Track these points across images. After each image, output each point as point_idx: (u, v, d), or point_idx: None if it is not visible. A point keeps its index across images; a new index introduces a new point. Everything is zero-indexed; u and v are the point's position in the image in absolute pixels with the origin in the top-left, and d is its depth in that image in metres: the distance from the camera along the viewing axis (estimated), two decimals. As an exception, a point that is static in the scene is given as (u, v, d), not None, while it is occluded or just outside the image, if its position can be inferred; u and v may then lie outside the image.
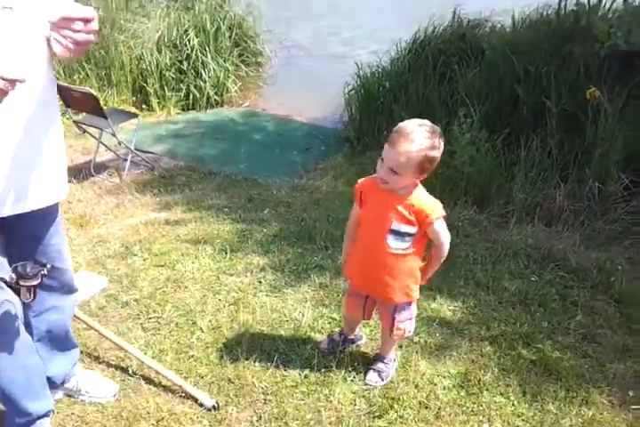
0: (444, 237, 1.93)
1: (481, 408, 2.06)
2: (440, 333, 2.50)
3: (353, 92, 5.34)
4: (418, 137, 1.76)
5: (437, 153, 1.80)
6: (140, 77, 6.08)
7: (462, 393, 2.14)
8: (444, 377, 2.21)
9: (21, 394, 1.71)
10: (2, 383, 1.65)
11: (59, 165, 1.60)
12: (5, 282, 1.48)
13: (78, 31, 1.31)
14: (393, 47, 5.32)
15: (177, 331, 2.41)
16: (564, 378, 2.25)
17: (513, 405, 2.10)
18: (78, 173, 4.37)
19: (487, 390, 2.15)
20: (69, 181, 3.81)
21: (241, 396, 2.06)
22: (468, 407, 2.06)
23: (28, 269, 1.46)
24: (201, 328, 2.43)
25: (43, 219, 1.64)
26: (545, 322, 2.62)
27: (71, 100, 4.19)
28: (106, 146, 4.57)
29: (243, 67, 6.78)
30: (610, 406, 2.13)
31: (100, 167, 4.54)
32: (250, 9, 7.27)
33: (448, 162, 4.02)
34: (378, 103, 5.09)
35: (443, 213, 1.91)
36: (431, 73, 4.91)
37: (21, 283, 1.46)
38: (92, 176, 4.39)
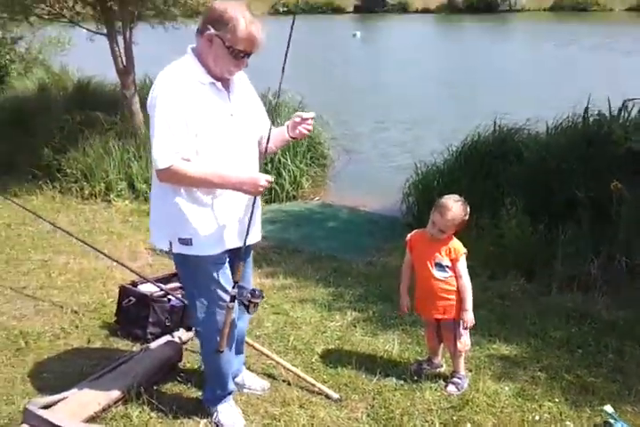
0: (463, 269, 2.88)
1: (533, 407, 2.78)
2: (500, 363, 3.25)
3: (412, 186, 6.38)
4: (457, 209, 2.79)
5: (467, 217, 2.85)
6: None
7: (519, 399, 2.87)
8: (505, 389, 2.95)
9: (228, 373, 2.58)
10: (221, 363, 2.53)
11: None
12: (241, 300, 2.40)
13: (309, 124, 2.35)
14: (446, 150, 6.41)
15: (300, 354, 3.25)
16: (597, 393, 2.94)
17: (557, 407, 2.81)
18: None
19: (538, 398, 2.88)
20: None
21: (356, 394, 2.86)
22: (523, 407, 2.79)
23: (257, 292, 2.40)
24: (317, 353, 3.27)
25: (250, 251, 2.60)
26: (582, 359, 3.34)
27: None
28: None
29: (314, 167, 8.01)
30: (632, 412, 2.79)
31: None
32: (319, 120, 8.69)
33: (498, 241, 4.92)
34: (434, 194, 6.07)
35: (465, 251, 2.88)
36: (478, 170, 5.92)
37: (252, 300, 2.39)
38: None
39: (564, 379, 3.08)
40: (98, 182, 7.09)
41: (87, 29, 7.40)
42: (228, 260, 2.46)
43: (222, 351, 2.41)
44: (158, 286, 3.44)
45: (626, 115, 5.46)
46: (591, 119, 5.75)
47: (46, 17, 7.25)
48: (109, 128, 7.53)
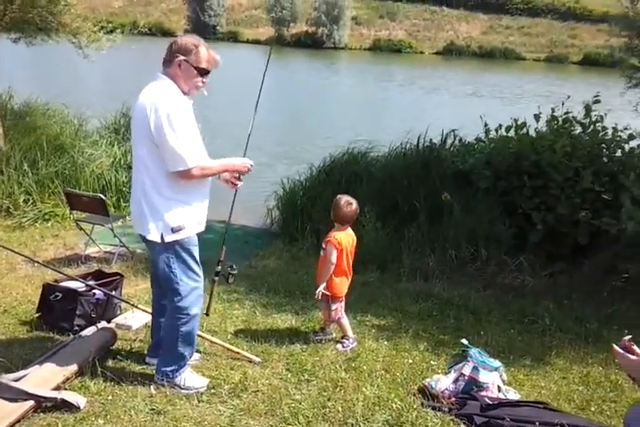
0: (326, 254, 3.70)
1: (406, 355, 3.69)
2: (375, 329, 4.15)
3: (279, 199, 7.20)
4: (355, 203, 3.63)
5: (338, 207, 3.70)
6: (100, 191, 7.46)
7: (394, 351, 3.76)
8: (383, 345, 3.83)
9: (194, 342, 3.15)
10: (192, 334, 3.08)
11: None
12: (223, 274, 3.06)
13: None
14: (307, 170, 7.36)
15: (216, 334, 3.81)
16: (447, 345, 3.94)
17: (422, 354, 3.75)
18: (72, 261, 5.61)
19: (408, 349, 3.80)
20: (68, 267, 5.07)
21: (272, 357, 3.52)
22: (399, 356, 3.68)
23: (234, 266, 3.20)
24: (231, 332, 3.88)
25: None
26: (432, 323, 4.36)
27: (78, 203, 5.61)
28: (93, 241, 5.88)
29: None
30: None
31: (87, 258, 5.78)
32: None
33: (358, 242, 5.88)
34: (298, 208, 6.96)
35: (335, 242, 3.68)
36: (337, 186, 6.92)
37: (231, 272, 3.21)
38: (84, 264, 5.62)
39: (422, 337, 4.06)
40: (-46, 198, 6.87)
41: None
42: None
43: (208, 315, 3.22)
44: (83, 282, 3.79)
45: (450, 142, 6.87)
46: (420, 146, 7.09)
47: None
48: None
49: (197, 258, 3.09)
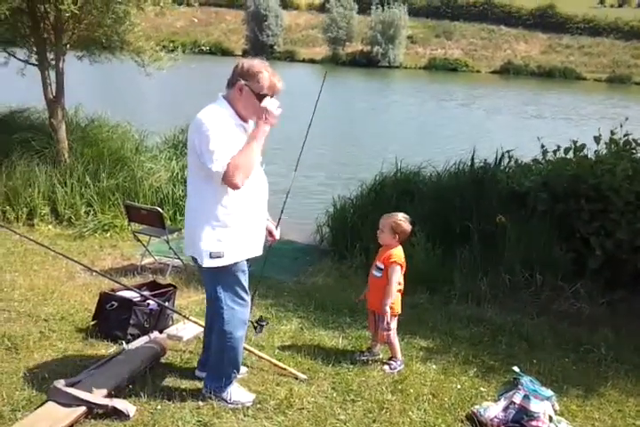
0: (391, 274, 3.63)
1: (454, 380, 3.61)
2: (423, 352, 4.08)
3: (330, 217, 7.22)
4: (389, 215, 3.70)
5: (402, 223, 3.63)
6: (157, 204, 7.69)
7: (443, 376, 3.68)
8: (432, 369, 3.75)
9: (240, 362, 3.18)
10: (238, 354, 3.10)
11: None
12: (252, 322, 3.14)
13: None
14: (358, 188, 7.37)
15: (263, 349, 3.83)
16: (498, 371, 3.83)
17: (472, 380, 3.66)
18: (128, 271, 5.78)
19: (457, 374, 3.71)
20: (124, 277, 5.22)
21: (318, 375, 3.51)
22: (447, 380, 3.60)
23: (263, 318, 3.27)
24: (278, 348, 3.89)
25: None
26: (482, 349, 4.25)
27: (137, 215, 5.79)
28: (149, 252, 6.05)
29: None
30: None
31: (142, 269, 5.95)
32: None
33: (407, 263, 5.83)
34: (349, 226, 6.97)
35: (400, 262, 3.63)
36: (387, 205, 6.89)
37: (259, 323, 3.29)
38: (139, 274, 5.78)
39: (472, 362, 3.96)
40: (21, 207, 7.22)
41: (18, 59, 7.62)
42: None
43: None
44: (138, 292, 3.90)
45: (505, 162, 6.75)
46: (476, 166, 6.99)
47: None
48: (34, 154, 7.68)
49: (245, 285, 3.07)
